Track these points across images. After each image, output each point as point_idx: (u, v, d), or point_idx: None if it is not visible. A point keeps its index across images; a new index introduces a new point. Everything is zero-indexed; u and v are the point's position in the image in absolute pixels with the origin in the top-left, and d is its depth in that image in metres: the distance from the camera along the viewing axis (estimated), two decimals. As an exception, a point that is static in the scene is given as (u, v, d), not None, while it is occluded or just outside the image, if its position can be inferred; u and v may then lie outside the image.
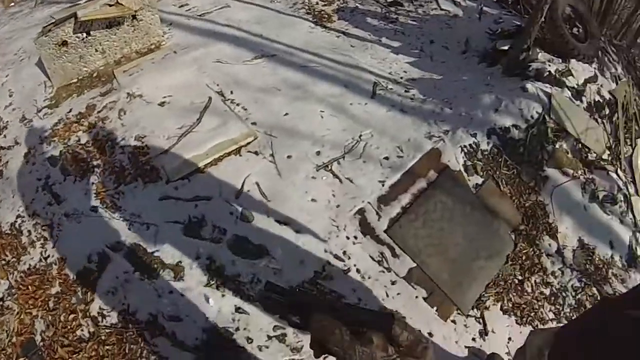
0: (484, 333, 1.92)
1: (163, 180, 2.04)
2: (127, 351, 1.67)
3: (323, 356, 0.59)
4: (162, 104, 2.39)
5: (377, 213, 1.96)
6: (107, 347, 1.69)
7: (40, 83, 2.79)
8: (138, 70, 2.62)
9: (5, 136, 2.59)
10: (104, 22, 2.62)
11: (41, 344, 1.76)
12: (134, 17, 2.70)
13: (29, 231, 2.09)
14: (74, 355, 1.70)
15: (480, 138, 2.30)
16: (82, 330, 1.75)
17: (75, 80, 2.71)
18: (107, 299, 1.78)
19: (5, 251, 2.08)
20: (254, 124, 2.29)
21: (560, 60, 2.73)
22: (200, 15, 3.22)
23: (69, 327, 1.77)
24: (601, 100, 2.75)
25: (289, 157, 2.10)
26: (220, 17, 3.20)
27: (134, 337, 1.69)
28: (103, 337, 1.71)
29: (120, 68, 2.67)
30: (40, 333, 1.78)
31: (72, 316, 1.79)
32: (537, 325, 2.02)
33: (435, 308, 1.89)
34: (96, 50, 2.70)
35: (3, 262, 2.06)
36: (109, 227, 1.94)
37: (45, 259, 1.98)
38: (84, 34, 2.60)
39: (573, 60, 2.73)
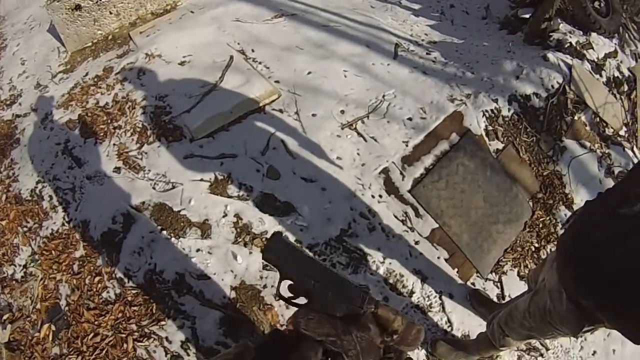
0: (501, 297, 1.94)
1: (187, 139, 2.01)
2: (153, 311, 1.65)
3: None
4: (182, 64, 2.35)
5: (401, 173, 1.95)
6: (134, 308, 1.67)
7: (53, 49, 2.74)
8: (155, 31, 2.56)
9: (20, 104, 2.55)
10: (118, -16, 2.58)
11: (66, 308, 1.73)
12: (148, -22, 2.65)
13: (50, 196, 2.07)
14: (100, 318, 1.67)
15: (502, 104, 2.27)
16: (107, 292, 1.73)
17: (89, 44, 2.67)
18: (132, 260, 1.76)
19: (26, 218, 2.06)
20: (277, 82, 2.26)
21: (581, 33, 2.68)
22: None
23: (94, 289, 1.75)
24: (620, 77, 2.71)
25: (313, 115, 2.09)
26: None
27: (161, 297, 1.66)
28: (129, 298, 1.69)
29: (137, 29, 2.61)
30: (65, 297, 1.76)
31: (97, 278, 1.77)
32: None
33: (456, 270, 1.91)
34: (110, 13, 2.64)
35: (25, 228, 2.04)
36: (133, 187, 1.92)
37: (68, 222, 1.96)
38: (97, -3, 2.55)
39: (594, 34, 2.69)
